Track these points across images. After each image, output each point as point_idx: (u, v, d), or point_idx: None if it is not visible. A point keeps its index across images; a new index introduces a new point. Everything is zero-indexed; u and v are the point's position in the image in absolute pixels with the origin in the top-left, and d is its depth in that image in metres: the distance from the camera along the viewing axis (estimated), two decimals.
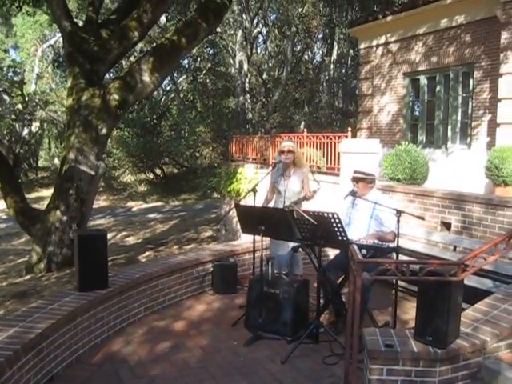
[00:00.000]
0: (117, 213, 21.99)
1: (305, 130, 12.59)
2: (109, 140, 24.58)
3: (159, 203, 24.31)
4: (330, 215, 4.28)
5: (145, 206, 23.98)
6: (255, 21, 27.75)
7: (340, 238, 4.31)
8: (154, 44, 18.86)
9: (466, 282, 5.25)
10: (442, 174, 9.23)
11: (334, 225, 4.28)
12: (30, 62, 27.98)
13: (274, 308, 4.93)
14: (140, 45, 23.52)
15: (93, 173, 10.17)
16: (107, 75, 17.42)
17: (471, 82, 10.29)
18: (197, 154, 26.77)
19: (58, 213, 10.03)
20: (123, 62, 23.22)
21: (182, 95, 30.23)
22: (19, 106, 26.62)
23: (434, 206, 6.51)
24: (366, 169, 5.17)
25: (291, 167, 5.75)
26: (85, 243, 4.78)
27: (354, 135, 13.04)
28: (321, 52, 31.68)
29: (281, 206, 5.67)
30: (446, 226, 6.34)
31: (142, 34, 11.17)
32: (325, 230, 4.36)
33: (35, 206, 12.93)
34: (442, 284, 3.50)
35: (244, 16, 25.12)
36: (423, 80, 11.59)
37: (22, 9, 9.28)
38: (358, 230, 4.96)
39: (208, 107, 28.79)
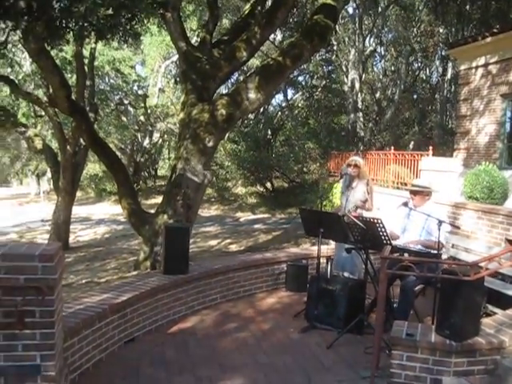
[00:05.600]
0: (225, 222, 23.16)
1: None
2: (222, 152, 26.26)
3: (266, 215, 25.15)
4: (376, 220, 4.82)
5: (252, 216, 24.88)
6: (371, 39, 28.03)
7: (385, 241, 4.82)
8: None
9: None
10: None
11: (379, 229, 4.81)
12: (154, 77, 29.99)
13: (330, 303, 5.49)
14: (256, 62, 24.75)
15: (199, 181, 11.08)
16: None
17: None
18: (305, 170, 27.39)
19: (165, 216, 10.86)
20: (241, 78, 24.42)
21: (296, 111, 31.03)
22: (142, 118, 28.61)
23: (499, 223, 6.69)
24: (423, 182, 5.64)
25: (356, 180, 6.33)
26: (171, 234, 5.68)
27: (451, 155, 13.14)
28: (437, 72, 31.20)
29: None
30: (511, 242, 6.51)
31: (251, 53, 11.90)
32: (372, 234, 4.90)
33: (151, 211, 13.98)
34: (460, 283, 3.91)
35: (357, 35, 25.52)
36: None
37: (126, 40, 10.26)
38: (411, 238, 5.42)
39: (320, 124, 29.33)
